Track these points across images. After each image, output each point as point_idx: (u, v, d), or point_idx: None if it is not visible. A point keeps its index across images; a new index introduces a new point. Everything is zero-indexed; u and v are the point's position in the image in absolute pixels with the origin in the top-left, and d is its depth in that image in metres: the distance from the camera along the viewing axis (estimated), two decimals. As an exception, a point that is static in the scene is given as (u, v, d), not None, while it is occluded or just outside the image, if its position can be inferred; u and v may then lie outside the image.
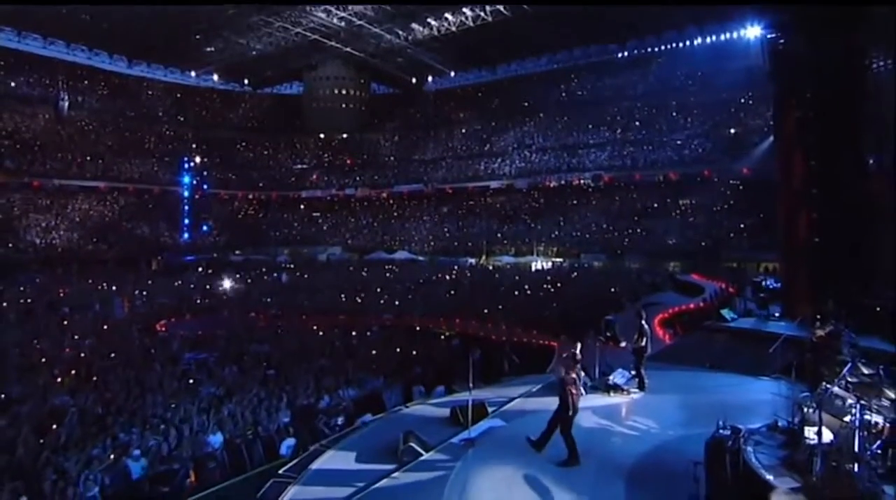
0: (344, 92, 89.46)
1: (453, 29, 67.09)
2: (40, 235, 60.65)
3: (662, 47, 71.21)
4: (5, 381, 19.33)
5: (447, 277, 47.82)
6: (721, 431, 8.53)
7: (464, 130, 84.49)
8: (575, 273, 48.10)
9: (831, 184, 18.95)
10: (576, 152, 71.80)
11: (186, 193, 71.57)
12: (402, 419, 13.07)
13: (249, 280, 49.99)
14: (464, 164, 79.83)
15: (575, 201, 67.32)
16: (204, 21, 65.47)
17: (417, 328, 29.68)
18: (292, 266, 62.07)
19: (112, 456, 13.10)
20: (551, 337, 24.50)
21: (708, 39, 65.10)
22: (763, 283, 26.07)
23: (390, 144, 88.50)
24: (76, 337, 27.30)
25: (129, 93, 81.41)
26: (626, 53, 74.13)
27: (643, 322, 14.26)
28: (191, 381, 19.94)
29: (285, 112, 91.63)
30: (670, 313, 27.45)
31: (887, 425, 7.73)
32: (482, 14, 63.60)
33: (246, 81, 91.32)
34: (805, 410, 8.24)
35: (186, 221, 71.09)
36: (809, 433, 7.74)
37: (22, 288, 42.20)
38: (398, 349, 24.49)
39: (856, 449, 7.22)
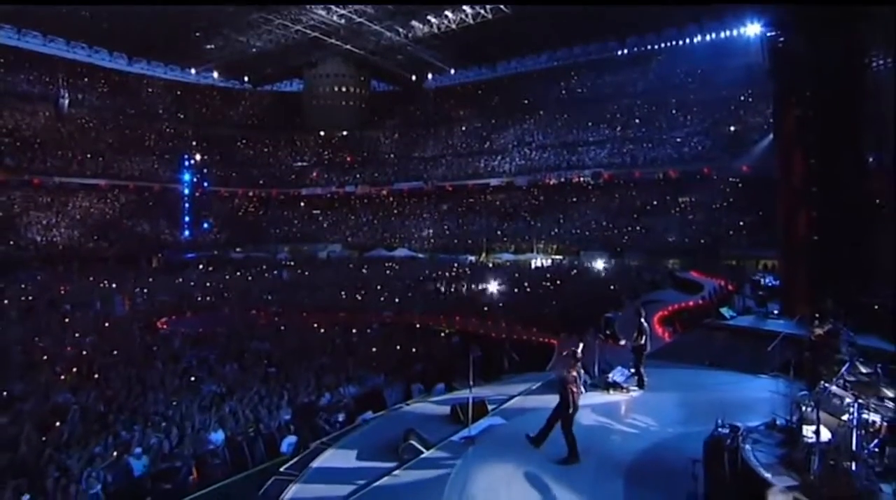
0: (344, 89, 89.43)
1: (453, 26, 67.13)
2: (41, 233, 60.73)
3: (662, 45, 71.27)
4: (7, 378, 19.36)
5: (447, 274, 47.80)
6: (720, 429, 8.53)
7: (464, 128, 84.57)
8: (575, 270, 48.13)
9: (831, 182, 18.95)
10: (576, 150, 71.86)
11: (187, 191, 71.84)
12: (403, 417, 13.09)
13: (250, 277, 50.00)
14: (464, 161, 79.88)
15: (575, 199, 67.39)
16: (204, 19, 65.44)
17: (417, 326, 29.68)
18: (292, 263, 62.12)
19: (115, 453, 13.15)
20: (551, 335, 24.55)
21: (708, 37, 65.15)
22: (762, 281, 26.12)
23: (390, 141, 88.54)
24: (77, 335, 27.34)
25: (129, 90, 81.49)
26: (626, 51, 74.36)
27: (642, 320, 14.29)
28: (192, 379, 19.97)
29: (285, 109, 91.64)
30: (670, 311, 27.45)
31: (885, 423, 7.74)
32: (482, 12, 63.57)
33: (246, 79, 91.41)
34: (803, 408, 8.25)
35: (187, 218, 71.32)
36: (807, 431, 7.74)
37: (23, 286, 42.24)
38: (398, 347, 24.54)
39: (853, 448, 7.24)
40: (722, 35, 62.90)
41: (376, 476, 9.89)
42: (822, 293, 16.22)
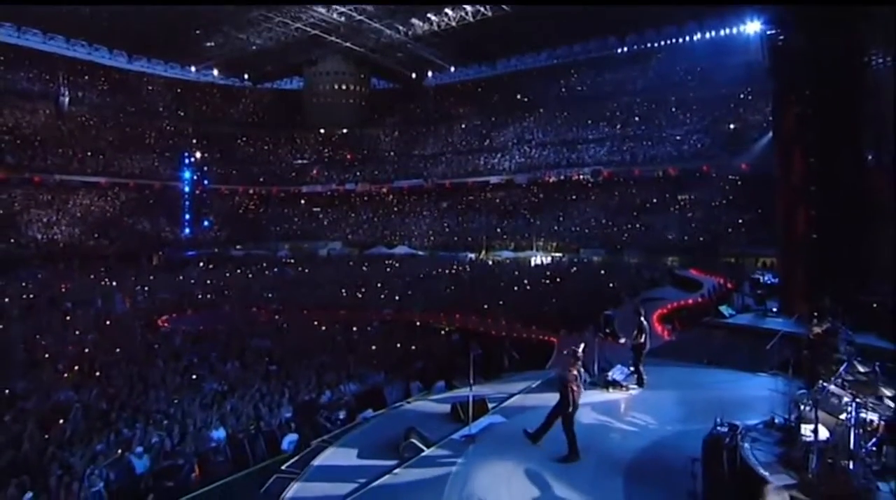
0: (344, 87, 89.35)
1: (453, 24, 67.17)
2: (41, 231, 60.74)
3: (662, 43, 71.22)
4: (9, 376, 19.42)
5: (447, 271, 47.86)
6: (719, 428, 8.58)
7: (463, 126, 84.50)
8: (574, 268, 48.15)
9: (830, 181, 18.98)
10: (575, 148, 71.84)
11: (187, 189, 71.78)
12: (403, 416, 13.17)
13: (250, 275, 50.05)
14: (463, 159, 79.85)
15: (574, 197, 67.38)
16: (204, 16, 65.44)
17: (417, 323, 29.74)
18: (293, 261, 62.14)
19: (120, 451, 13.22)
20: (551, 333, 24.61)
21: (707, 35, 65.13)
22: (761, 279, 26.17)
23: (390, 139, 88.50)
24: (78, 333, 27.40)
25: (129, 88, 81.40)
26: (625, 49, 74.37)
27: (642, 319, 14.37)
28: (193, 376, 20.03)
29: (285, 107, 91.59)
30: (669, 309, 27.49)
31: (882, 423, 7.80)
32: (482, 9, 63.58)
33: (246, 76, 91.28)
34: (802, 407, 8.30)
35: (187, 216, 71.26)
36: (806, 430, 7.79)
37: (24, 284, 42.26)
38: (398, 345, 24.58)
39: (851, 447, 7.29)
40: (722, 33, 62.93)
41: (377, 475, 9.97)
42: (821, 291, 16.25)
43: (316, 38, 73.53)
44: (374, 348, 24.27)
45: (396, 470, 10.16)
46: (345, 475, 10.19)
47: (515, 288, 37.36)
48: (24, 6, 60.99)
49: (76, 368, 21.02)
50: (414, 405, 14.25)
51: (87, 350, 23.88)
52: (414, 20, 68.36)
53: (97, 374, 20.37)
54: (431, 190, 78.22)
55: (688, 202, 58.40)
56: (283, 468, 10.95)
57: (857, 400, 7.76)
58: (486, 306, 30.90)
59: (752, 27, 44.93)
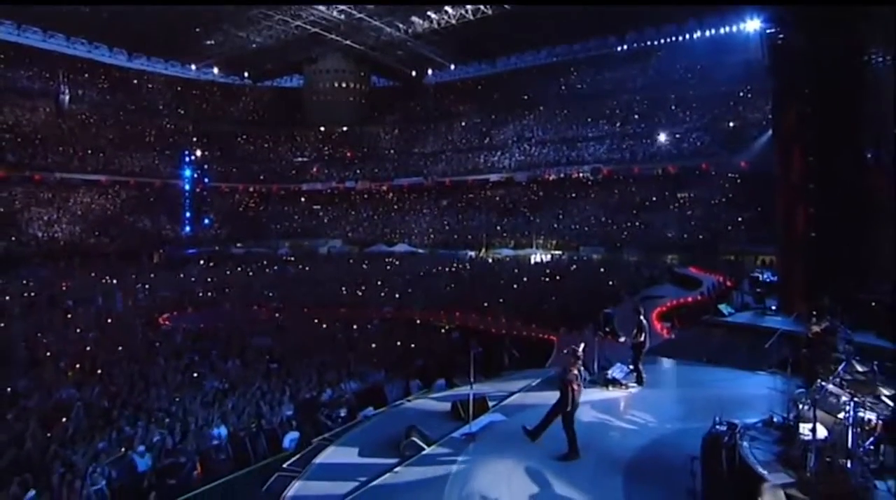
0: (344, 85, 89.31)
1: (453, 22, 67.18)
2: (42, 229, 60.75)
3: (662, 41, 71.27)
4: (11, 375, 19.48)
5: (447, 269, 47.91)
6: (717, 426, 8.62)
7: (463, 124, 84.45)
8: (574, 266, 48.17)
9: (829, 179, 19.04)
10: (575, 145, 71.77)
11: (187, 187, 71.85)
12: (404, 414, 13.20)
13: (251, 273, 50.09)
14: (463, 157, 79.81)
15: (574, 194, 67.34)
16: (203, 15, 65.46)
17: (418, 321, 29.81)
18: (293, 259, 62.17)
19: (123, 449, 13.28)
20: (551, 331, 24.66)
21: (707, 33, 65.13)
22: (760, 277, 26.20)
23: (390, 137, 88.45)
24: (79, 331, 27.46)
25: (129, 86, 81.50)
26: (625, 47, 74.33)
27: (641, 318, 14.41)
28: (194, 374, 20.10)
29: (285, 105, 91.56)
30: (668, 307, 27.49)
31: (880, 422, 7.82)
32: (482, 7, 63.58)
33: (246, 74, 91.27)
34: (800, 406, 8.34)
35: (188, 214, 71.34)
36: (804, 429, 7.81)
37: (25, 282, 42.30)
38: (398, 343, 24.63)
39: (849, 445, 7.31)
40: (721, 31, 62.97)
41: (378, 473, 10.01)
42: (820, 290, 16.29)
43: (316, 36, 73.54)
44: (374, 346, 24.34)
45: (397, 469, 10.19)
46: (346, 473, 10.22)
47: (515, 286, 37.39)
48: (25, 6, 60.87)
49: (77, 366, 21.09)
50: (414, 404, 14.27)
51: (88, 348, 23.96)
52: (414, 18, 68.37)
53: (98, 372, 20.42)
54: (431, 188, 78.21)
55: (687, 200, 58.39)
56: (284, 466, 10.97)
57: (856, 400, 7.78)
58: (486, 304, 30.94)
59: (752, 26, 44.85)
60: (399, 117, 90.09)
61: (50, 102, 71.65)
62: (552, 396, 10.91)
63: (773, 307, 20.62)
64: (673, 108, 67.59)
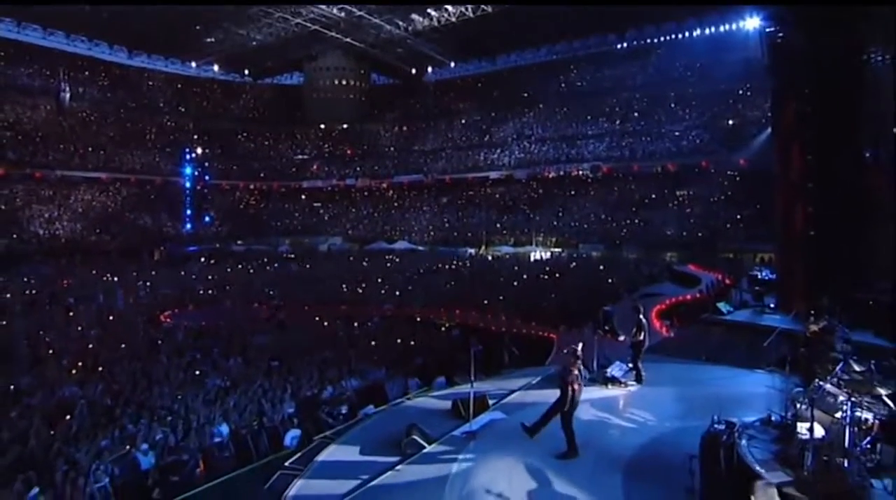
0: (344, 82, 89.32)
1: (453, 20, 67.13)
2: (43, 226, 60.81)
3: (661, 39, 71.38)
4: (15, 372, 19.54)
5: (447, 267, 47.95)
6: (716, 425, 8.68)
7: (463, 121, 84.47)
8: (574, 263, 48.19)
9: (828, 178, 19.11)
10: (575, 143, 71.79)
11: (188, 184, 71.91)
12: (405, 412, 13.28)
13: (251, 270, 50.13)
14: (463, 154, 79.82)
15: (573, 192, 67.35)
16: (204, 13, 65.46)
17: (418, 319, 29.82)
18: (293, 256, 62.23)
19: (128, 447, 13.35)
20: (550, 329, 24.70)
21: (707, 31, 65.19)
22: (759, 275, 26.27)
23: (390, 134, 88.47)
24: (80, 328, 27.51)
25: (129, 84, 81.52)
26: (625, 45, 74.36)
27: (641, 316, 14.47)
28: (196, 372, 20.16)
29: (286, 103, 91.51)
30: (667, 305, 27.53)
31: (877, 421, 7.91)
32: (482, 5, 63.58)
33: (246, 72, 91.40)
34: (798, 405, 8.43)
35: (188, 211, 71.44)
36: (802, 428, 7.88)
37: (26, 279, 42.35)
38: (399, 340, 24.65)
39: (846, 445, 7.41)
40: (721, 29, 63.04)
41: (380, 471, 10.09)
42: (819, 288, 16.38)
43: (316, 33, 73.55)
44: (374, 343, 24.36)
45: (398, 467, 10.27)
46: (347, 471, 10.30)
47: (515, 283, 37.40)
48: (25, 6, 61.02)
49: (80, 364, 21.11)
50: (415, 402, 14.35)
51: (90, 346, 24.00)
52: (414, 16, 68.33)
53: (100, 370, 20.47)
54: (431, 185, 78.25)
55: (687, 198, 58.44)
56: (286, 464, 11.07)
57: (853, 399, 7.88)
58: (485, 302, 30.97)
59: (752, 24, 44.96)
60: (399, 115, 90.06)
61: (50, 99, 71.63)
62: (552, 394, 10.98)
63: (772, 305, 20.73)
64: (672, 105, 67.60)
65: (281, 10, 67.35)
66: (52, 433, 14.51)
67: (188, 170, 72.06)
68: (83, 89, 75.91)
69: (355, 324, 28.02)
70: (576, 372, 10.56)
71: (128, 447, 13.37)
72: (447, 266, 48.20)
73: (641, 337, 14.16)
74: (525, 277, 40.01)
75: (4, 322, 28.93)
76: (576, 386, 10.43)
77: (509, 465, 10.05)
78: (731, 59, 56.03)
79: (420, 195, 78.25)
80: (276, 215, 78.54)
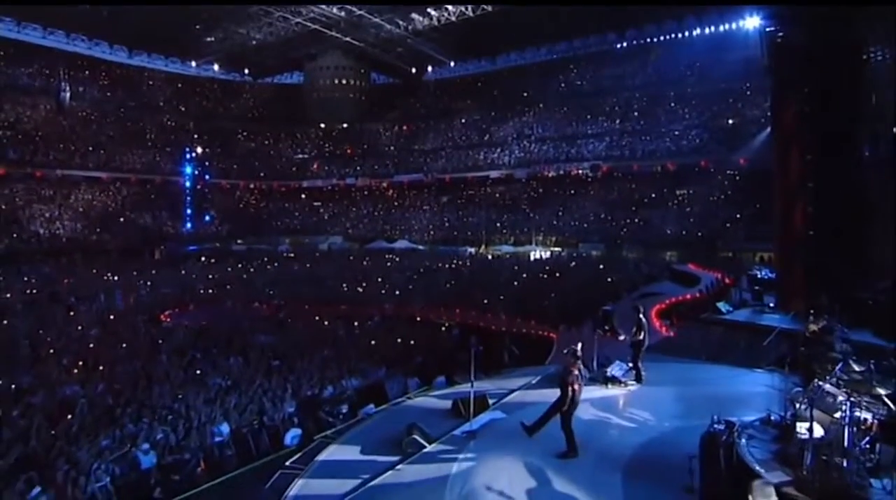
0: (344, 82, 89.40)
1: (453, 19, 67.16)
2: (44, 226, 60.71)
3: (661, 38, 71.38)
4: (16, 372, 19.54)
5: (447, 266, 47.95)
6: (716, 425, 8.71)
7: (463, 120, 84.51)
8: (574, 263, 48.17)
9: (827, 177, 19.13)
10: (574, 143, 71.83)
11: (188, 183, 71.95)
12: (405, 412, 13.32)
13: (252, 270, 50.10)
14: (463, 154, 79.87)
15: (573, 191, 67.39)
16: (204, 12, 65.51)
17: (418, 318, 29.80)
18: (293, 255, 62.21)
19: (129, 446, 13.37)
20: (550, 328, 24.71)
21: (706, 31, 65.24)
22: (758, 274, 26.28)
23: (390, 133, 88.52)
24: (81, 327, 27.48)
25: (129, 83, 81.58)
26: (624, 44, 74.41)
27: (641, 316, 14.49)
28: (197, 372, 20.15)
29: (286, 102, 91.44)
30: (667, 304, 27.52)
31: (876, 421, 7.93)
32: (482, 5, 63.61)
33: (246, 71, 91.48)
34: (797, 405, 8.46)
35: (189, 210, 71.45)
36: (801, 428, 7.92)
37: (26, 278, 42.34)
38: (399, 339, 24.61)
39: (845, 444, 7.41)
40: (721, 29, 63.09)
41: (380, 471, 10.13)
42: (818, 288, 16.41)
43: (316, 33, 73.53)
44: (374, 343, 24.33)
45: (399, 466, 10.30)
46: (348, 470, 10.34)
47: (515, 283, 37.38)
48: (26, 5, 61.06)
49: (80, 363, 21.10)
50: (415, 401, 14.39)
51: (91, 345, 23.99)
52: (414, 15, 68.38)
53: (101, 369, 20.46)
54: (431, 184, 78.31)
55: (686, 197, 58.48)
56: (287, 463, 11.10)
57: (852, 399, 7.90)
58: (485, 301, 30.94)
59: (752, 23, 45.03)
60: (399, 114, 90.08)
61: (50, 99, 71.61)
62: (552, 393, 11.00)
63: (772, 305, 20.76)
64: (672, 105, 67.64)
65: (281, 10, 67.39)
66: (53, 432, 14.50)
67: (188, 169, 72.09)
68: (83, 89, 75.91)
69: (355, 323, 27.97)
70: (576, 372, 10.58)
71: (129, 446, 13.37)
72: (447, 265, 48.18)
73: (641, 337, 14.19)
74: (525, 276, 40.00)
75: (5, 322, 28.90)
76: (576, 386, 10.45)
77: (509, 464, 10.08)
78: (730, 58, 56.18)
79: (420, 195, 78.28)
80: (277, 215, 78.60)
